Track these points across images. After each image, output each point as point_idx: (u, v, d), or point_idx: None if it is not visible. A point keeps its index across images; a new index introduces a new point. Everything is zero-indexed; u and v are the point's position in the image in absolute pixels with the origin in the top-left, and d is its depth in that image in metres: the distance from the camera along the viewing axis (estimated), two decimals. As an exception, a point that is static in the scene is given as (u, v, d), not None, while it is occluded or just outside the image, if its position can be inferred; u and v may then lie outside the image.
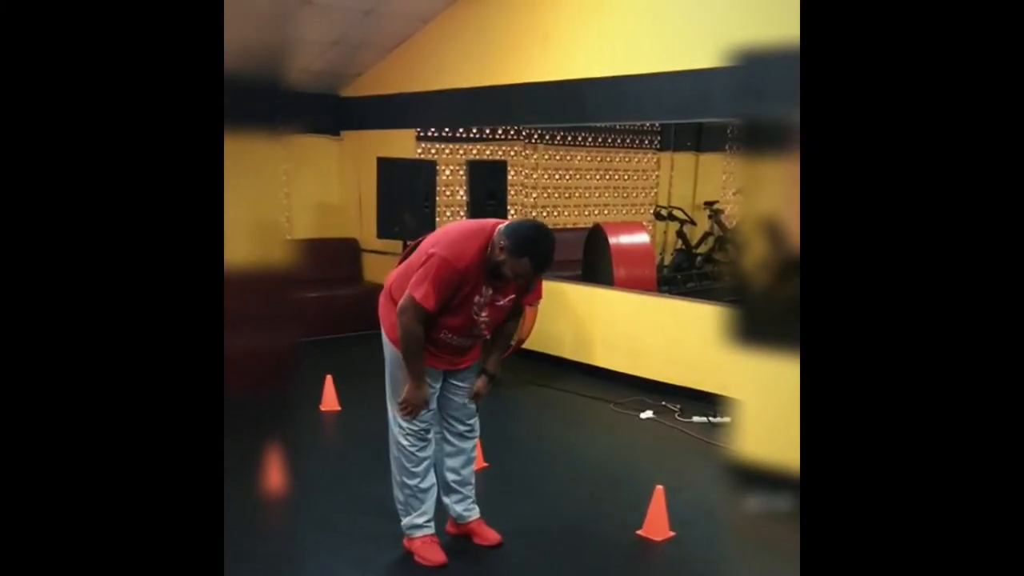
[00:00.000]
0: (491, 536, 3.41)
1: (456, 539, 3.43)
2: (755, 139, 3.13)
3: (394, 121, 7.57)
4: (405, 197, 6.25)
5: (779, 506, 3.22)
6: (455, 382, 3.27)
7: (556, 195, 8.96)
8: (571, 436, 5.01)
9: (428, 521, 3.29)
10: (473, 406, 3.33)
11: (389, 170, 6.47)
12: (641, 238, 7.39)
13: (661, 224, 9.38)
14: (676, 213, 9.26)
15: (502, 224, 2.99)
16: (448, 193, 7.68)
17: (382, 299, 3.23)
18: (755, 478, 3.22)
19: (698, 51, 5.17)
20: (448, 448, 3.35)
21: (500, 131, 7.94)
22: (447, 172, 7.65)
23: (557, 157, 8.83)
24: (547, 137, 8.70)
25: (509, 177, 6.87)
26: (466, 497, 3.41)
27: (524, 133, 8.18)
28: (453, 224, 3.20)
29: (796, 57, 1.53)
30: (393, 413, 3.24)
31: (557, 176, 8.93)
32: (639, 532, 3.57)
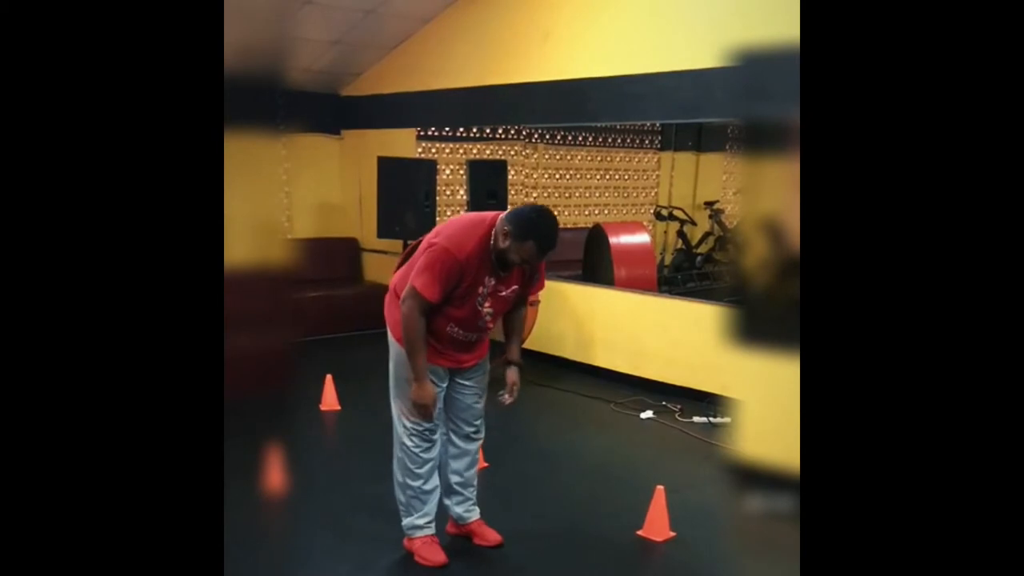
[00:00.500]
0: (492, 536, 3.40)
1: (456, 539, 3.43)
2: (755, 139, 3.14)
3: (395, 120, 7.57)
4: (405, 196, 6.24)
5: (779, 506, 3.22)
6: (461, 381, 3.25)
7: (556, 195, 8.96)
8: (571, 436, 5.01)
9: (429, 522, 3.28)
10: (480, 407, 3.32)
11: (390, 169, 6.47)
12: (641, 238, 7.38)
13: (661, 224, 9.38)
14: (676, 213, 9.26)
15: (503, 214, 3.00)
16: (448, 193, 7.68)
17: (387, 299, 3.23)
18: (755, 478, 3.22)
19: (699, 51, 5.16)
20: (453, 450, 3.34)
21: (500, 131, 7.94)
22: (447, 171, 7.65)
23: (557, 157, 8.83)
24: (547, 137, 8.70)
25: (509, 177, 6.87)
26: (467, 499, 3.40)
27: (524, 133, 8.18)
28: (455, 217, 3.21)
29: (796, 57, 1.53)
30: (398, 413, 3.22)
31: (557, 176, 8.93)
32: (639, 532, 3.57)
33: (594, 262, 7.15)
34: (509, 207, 6.65)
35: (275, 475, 2.69)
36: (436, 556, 3.23)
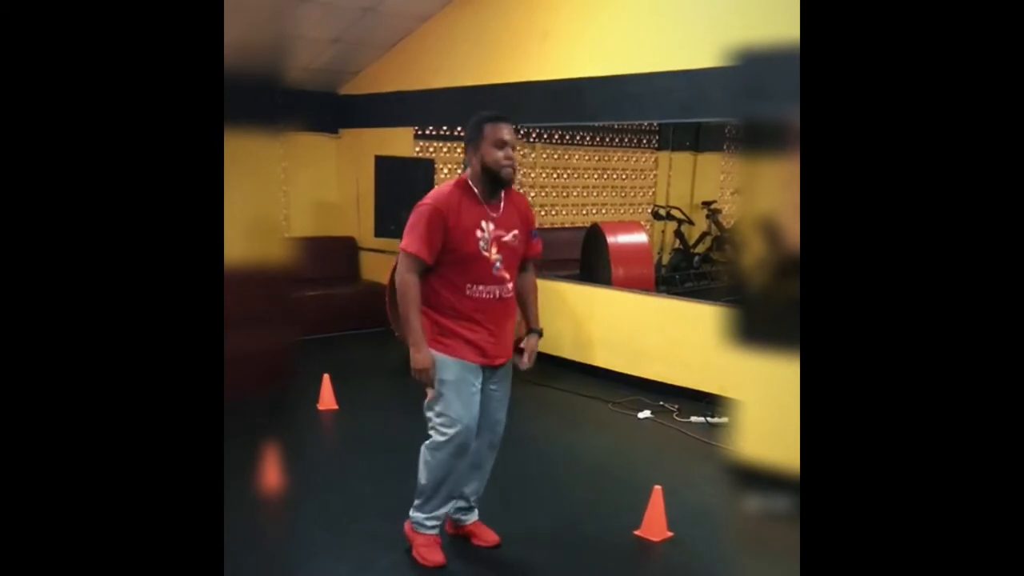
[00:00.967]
0: (490, 537, 3.40)
1: (454, 539, 3.42)
2: (754, 139, 3.13)
3: (392, 119, 7.57)
4: (403, 195, 6.22)
5: (777, 506, 3.22)
6: (491, 387, 3.21)
7: (554, 194, 8.96)
8: (569, 436, 5.01)
9: (436, 524, 3.29)
10: (502, 416, 3.30)
11: (387, 168, 6.47)
12: (639, 238, 7.38)
13: (659, 224, 9.39)
14: (674, 213, 9.26)
15: None
16: (446, 192, 7.67)
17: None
18: (753, 478, 3.22)
19: (697, 51, 5.17)
20: (475, 457, 3.28)
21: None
22: (445, 170, 7.65)
23: (555, 156, 8.83)
24: (545, 136, 8.70)
25: (507, 176, 6.85)
26: (471, 507, 3.41)
27: (522, 132, 8.18)
28: None
29: (795, 56, 1.53)
30: (434, 419, 3.15)
31: (555, 175, 8.93)
32: (637, 532, 3.57)
33: (592, 262, 7.15)
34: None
35: (274, 475, 2.68)
36: (435, 556, 3.24)
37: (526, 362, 3.28)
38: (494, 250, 3.05)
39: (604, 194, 9.42)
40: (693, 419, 5.20)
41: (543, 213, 8.64)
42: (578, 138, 9.02)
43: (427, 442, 3.20)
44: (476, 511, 3.43)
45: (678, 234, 9.30)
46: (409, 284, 3.01)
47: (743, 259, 3.17)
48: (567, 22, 6.12)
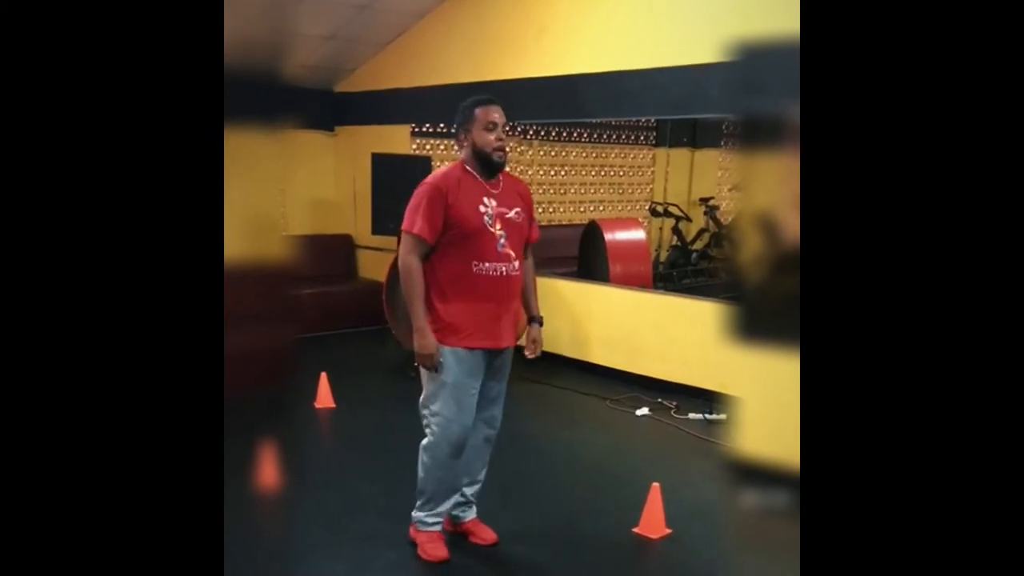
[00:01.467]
0: (487, 535, 3.40)
1: (452, 537, 3.42)
2: (752, 134, 3.13)
3: (389, 116, 7.56)
4: (400, 193, 6.18)
5: (776, 502, 3.22)
6: (489, 382, 3.20)
7: (551, 191, 8.95)
8: (567, 433, 5.00)
9: (438, 521, 3.29)
10: (498, 411, 3.30)
11: (384, 166, 6.45)
12: (637, 234, 7.38)
13: (657, 220, 9.39)
14: (672, 209, 9.26)
15: None
16: (443, 189, 7.66)
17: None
18: (752, 475, 3.21)
19: (694, 46, 5.16)
20: (471, 453, 3.29)
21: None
22: (442, 168, 7.63)
23: (552, 153, 8.82)
24: (542, 133, 8.68)
25: (504, 173, 6.85)
26: (468, 502, 3.41)
27: (519, 129, 8.17)
28: None
29: (794, 51, 1.52)
30: (430, 417, 3.16)
31: (552, 172, 8.92)
32: (635, 530, 3.57)
33: (589, 259, 7.15)
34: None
35: (271, 473, 2.67)
36: (439, 551, 3.25)
37: (529, 354, 3.28)
38: (498, 226, 3.03)
39: (601, 191, 9.41)
40: (691, 416, 5.20)
41: (540, 210, 8.63)
42: (575, 135, 9.01)
43: (423, 442, 3.20)
44: (474, 508, 3.43)
45: (676, 231, 9.31)
46: (412, 268, 3.00)
47: (741, 255, 3.17)
48: (563, 18, 6.11)
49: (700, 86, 5.22)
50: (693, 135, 9.66)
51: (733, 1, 4.85)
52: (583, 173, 9.22)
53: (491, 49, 6.60)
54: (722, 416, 5.01)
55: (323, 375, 5.28)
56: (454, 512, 3.39)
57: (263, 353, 2.16)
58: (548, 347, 6.39)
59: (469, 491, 3.38)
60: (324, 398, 5.24)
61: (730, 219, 9.30)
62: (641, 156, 9.70)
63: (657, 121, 9.43)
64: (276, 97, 1.97)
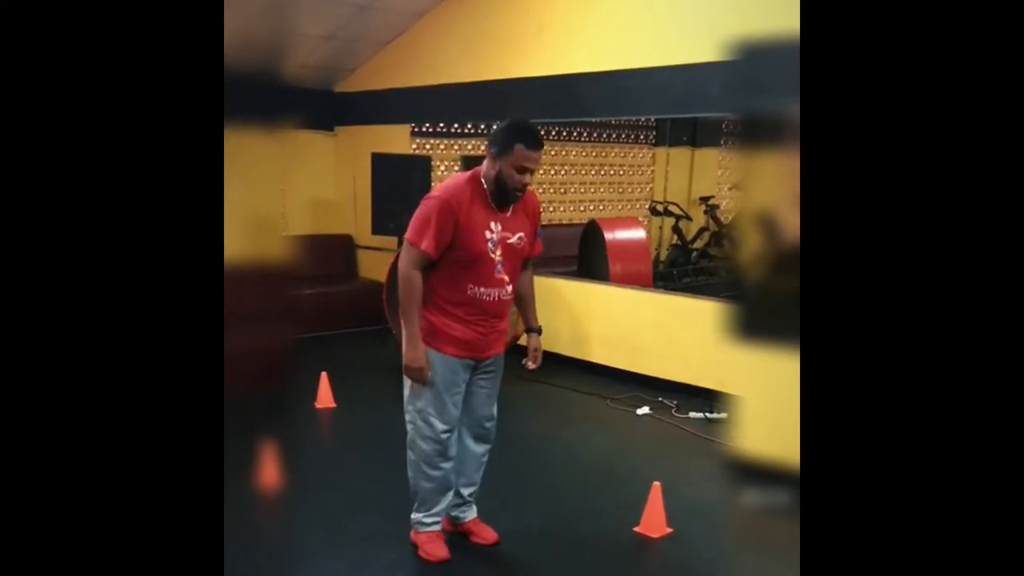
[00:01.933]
0: (488, 535, 3.40)
1: (453, 537, 3.42)
2: (752, 133, 3.13)
3: (389, 116, 7.55)
4: (400, 193, 6.23)
5: (776, 501, 3.22)
6: (479, 380, 3.21)
7: (551, 191, 8.95)
8: (567, 432, 5.00)
9: (436, 521, 3.29)
10: (492, 410, 3.30)
11: (384, 166, 6.46)
12: (637, 234, 7.38)
13: (657, 219, 9.39)
14: (672, 208, 9.26)
15: None
16: (443, 189, 7.66)
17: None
18: (753, 473, 3.22)
19: (694, 45, 5.16)
20: (462, 452, 3.30)
21: (495, 126, 7.92)
22: (442, 168, 7.63)
23: (552, 152, 8.82)
24: (542, 132, 8.66)
25: (505, 172, 6.84)
26: (467, 502, 3.41)
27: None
28: None
29: (793, 50, 1.52)
30: (413, 416, 3.17)
31: (552, 172, 8.92)
32: (636, 529, 3.57)
33: (589, 258, 7.14)
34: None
35: (271, 473, 2.67)
36: (439, 551, 3.24)
37: (532, 364, 3.28)
38: (499, 252, 3.02)
39: (601, 190, 9.41)
40: (692, 415, 5.20)
41: (540, 210, 8.62)
42: (575, 134, 9.01)
43: (407, 440, 3.21)
44: (474, 508, 3.43)
45: (676, 230, 9.30)
46: (414, 282, 2.98)
47: (741, 254, 3.17)
48: (562, 17, 6.11)
49: (700, 85, 5.22)
50: (693, 134, 9.65)
51: (732, 1, 4.86)
52: (583, 172, 9.21)
53: (491, 48, 6.60)
54: (722, 415, 5.01)
55: (324, 375, 5.28)
56: (454, 513, 3.39)
57: (263, 353, 2.16)
58: (548, 346, 6.38)
59: (466, 492, 3.37)
60: (325, 398, 5.24)
61: (730, 218, 9.29)
62: (641, 155, 9.70)
63: (657, 120, 9.42)
64: (276, 97, 1.97)
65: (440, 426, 3.12)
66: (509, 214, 3.06)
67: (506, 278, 3.08)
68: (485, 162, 3.03)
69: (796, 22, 1.52)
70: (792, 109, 1.57)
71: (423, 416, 3.13)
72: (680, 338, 5.58)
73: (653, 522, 3.54)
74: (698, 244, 9.37)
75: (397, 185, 6.28)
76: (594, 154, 9.25)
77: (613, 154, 9.43)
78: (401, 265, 3.01)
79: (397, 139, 7.42)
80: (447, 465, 3.20)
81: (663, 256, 9.24)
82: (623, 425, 5.13)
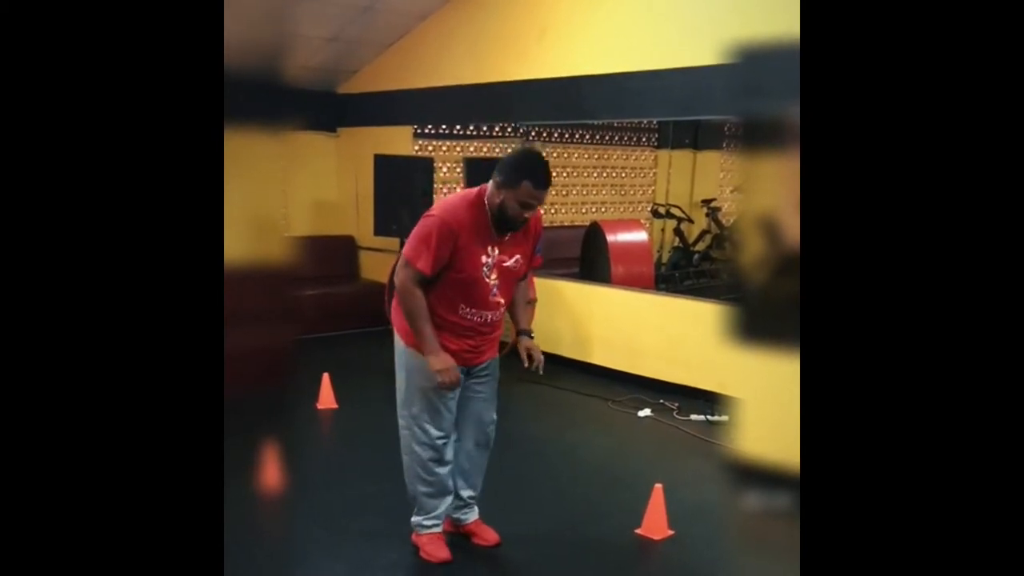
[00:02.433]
0: (490, 536, 3.40)
1: (455, 538, 3.42)
2: (753, 136, 3.13)
3: (391, 118, 7.56)
4: (402, 194, 6.23)
5: (777, 503, 3.22)
6: (475, 385, 3.21)
7: (553, 193, 8.95)
8: (568, 435, 5.00)
9: (436, 523, 3.29)
10: (491, 415, 3.29)
11: (386, 167, 6.45)
12: (639, 236, 7.38)
13: (659, 222, 9.38)
14: (674, 211, 9.26)
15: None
16: (446, 191, 7.67)
17: (394, 303, 3.19)
18: (754, 476, 3.22)
19: (696, 48, 5.15)
20: (462, 458, 3.30)
21: (497, 128, 7.93)
22: (444, 169, 7.64)
23: (554, 154, 8.82)
24: (544, 134, 8.68)
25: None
26: (469, 505, 3.41)
27: (521, 130, 8.18)
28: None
29: (795, 53, 1.52)
30: (408, 422, 3.17)
31: (554, 174, 8.87)
32: (638, 531, 3.57)
33: (591, 260, 7.14)
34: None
35: (272, 473, 2.68)
36: (440, 552, 3.24)
37: (528, 364, 3.19)
38: (494, 275, 3.02)
39: (603, 192, 9.41)
40: (693, 417, 5.19)
41: (542, 212, 8.63)
42: (577, 136, 9.01)
43: (402, 446, 3.21)
44: (476, 510, 3.43)
45: (677, 232, 9.30)
46: (417, 301, 2.96)
47: (743, 257, 3.17)
48: (565, 20, 6.11)
49: (702, 88, 5.22)
50: (695, 137, 9.65)
51: (734, 3, 4.87)
52: (585, 175, 9.22)
53: (493, 50, 6.61)
54: (723, 417, 5.01)
55: (325, 376, 5.28)
56: (455, 515, 3.39)
57: (264, 353, 2.16)
58: (549, 348, 6.39)
59: (466, 494, 3.37)
60: (326, 399, 5.24)
61: (732, 221, 9.29)
62: (643, 157, 9.70)
63: (659, 123, 9.42)
64: (278, 98, 1.98)
65: (435, 432, 3.12)
66: (508, 238, 3.04)
67: (501, 300, 3.09)
68: (490, 186, 2.99)
69: (796, 26, 1.52)
70: (792, 112, 1.57)
71: (418, 423, 3.13)
72: (681, 340, 5.58)
73: (654, 524, 3.54)
74: (700, 247, 9.36)
75: (399, 186, 6.28)
76: (596, 156, 9.25)
77: (615, 156, 9.43)
78: (400, 281, 2.99)
79: (400, 140, 7.42)
80: (443, 470, 3.20)
81: (665, 258, 9.23)
82: (624, 427, 5.13)
